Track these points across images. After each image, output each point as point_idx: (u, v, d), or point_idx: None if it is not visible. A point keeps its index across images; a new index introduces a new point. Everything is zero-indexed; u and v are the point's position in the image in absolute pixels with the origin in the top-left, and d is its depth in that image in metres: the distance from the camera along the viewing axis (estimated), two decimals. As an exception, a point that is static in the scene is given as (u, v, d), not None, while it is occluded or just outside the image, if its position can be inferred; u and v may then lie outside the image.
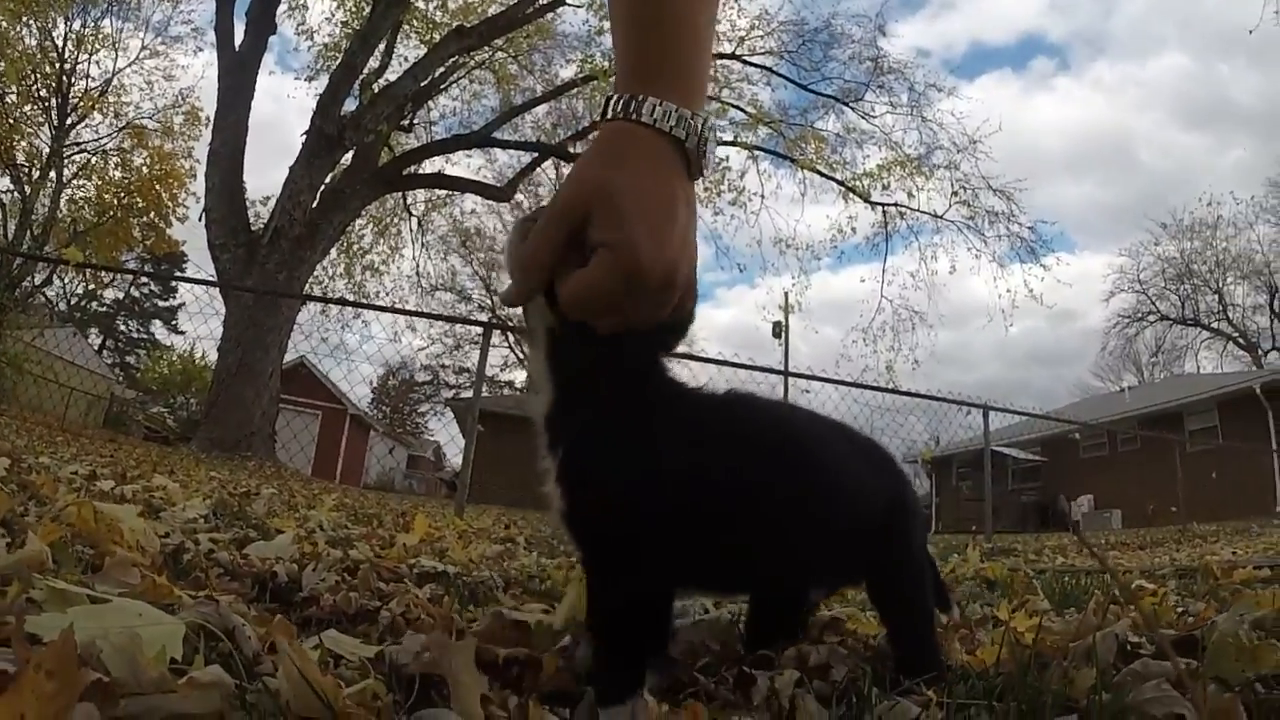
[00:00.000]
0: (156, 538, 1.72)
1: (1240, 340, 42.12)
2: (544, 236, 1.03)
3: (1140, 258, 42.93)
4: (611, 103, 1.05)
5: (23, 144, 28.76)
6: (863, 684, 1.13)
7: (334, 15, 22.94)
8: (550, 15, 22.76)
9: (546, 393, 1.20)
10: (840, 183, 23.29)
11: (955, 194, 23.11)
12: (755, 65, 23.35)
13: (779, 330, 34.37)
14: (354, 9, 22.17)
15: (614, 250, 0.96)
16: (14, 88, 27.11)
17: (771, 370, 12.37)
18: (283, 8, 21.09)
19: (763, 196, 23.50)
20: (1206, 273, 41.81)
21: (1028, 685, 1.07)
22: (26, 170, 28.87)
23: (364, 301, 21.67)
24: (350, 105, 19.73)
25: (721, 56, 22.72)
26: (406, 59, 21.97)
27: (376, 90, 20.03)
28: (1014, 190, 23.22)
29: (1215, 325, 42.76)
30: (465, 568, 2.31)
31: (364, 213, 22.89)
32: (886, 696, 1.09)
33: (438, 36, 21.20)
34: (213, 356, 18.68)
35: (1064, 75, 78.16)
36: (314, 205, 18.66)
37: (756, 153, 23.48)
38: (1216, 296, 42.40)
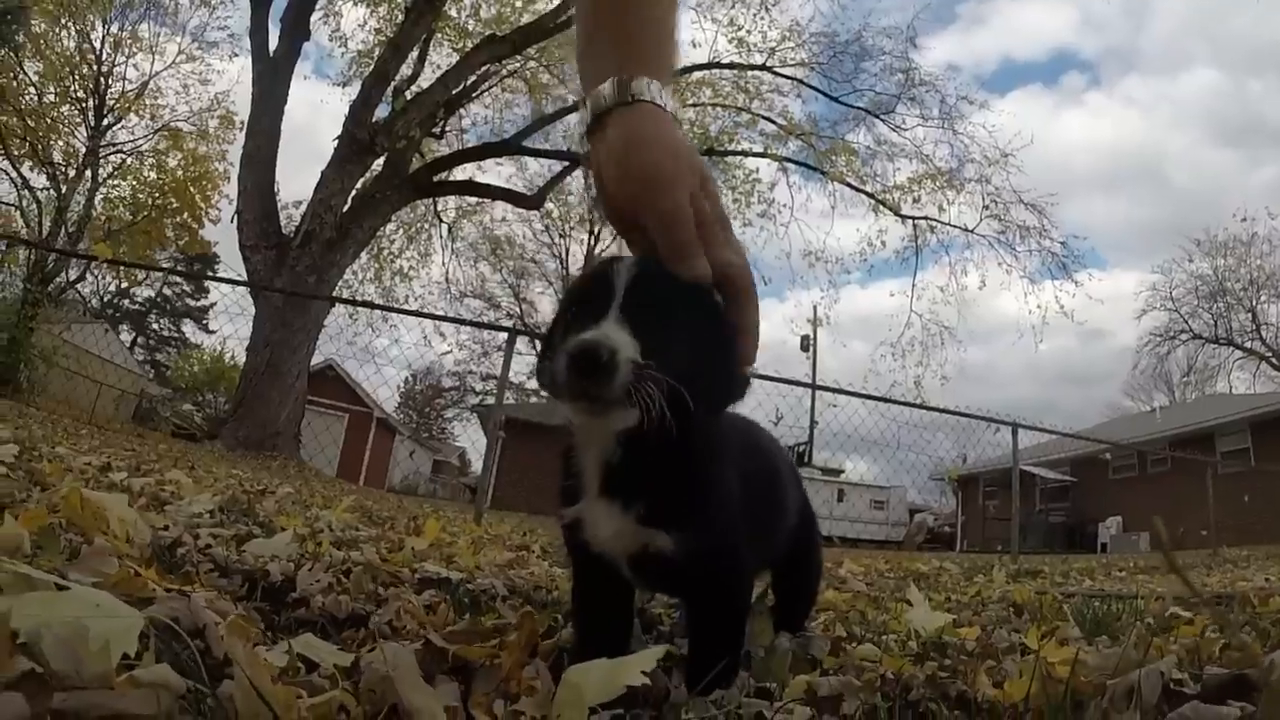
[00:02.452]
0: (149, 529, 1.68)
1: (1274, 360, 41.15)
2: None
3: (1172, 275, 42.12)
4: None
5: (60, 143, 29.33)
6: (880, 718, 1.05)
7: (367, 23, 23.16)
8: (582, 24, 22.75)
9: (604, 448, 1.25)
10: (871, 195, 23.16)
11: (986, 208, 22.93)
12: (786, 77, 23.29)
13: (807, 344, 34.24)
14: (387, 17, 22.34)
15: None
16: (52, 88, 27.62)
17: (799, 383, 12.25)
18: (317, 15, 21.35)
19: (792, 209, 23.49)
20: (1240, 291, 40.90)
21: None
22: (63, 169, 29.33)
23: (391, 305, 21.75)
24: (382, 111, 19.89)
25: (752, 68, 22.69)
26: (439, 66, 22.13)
27: (409, 97, 20.17)
28: (1046, 204, 23.02)
29: (1248, 344, 41.81)
30: (470, 574, 2.24)
31: (394, 218, 23.03)
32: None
33: (470, 45, 21.29)
34: (242, 356, 18.88)
35: (1095, 91, 77.59)
36: (345, 210, 18.82)
37: (787, 165, 23.43)
38: (1250, 315, 41.47)
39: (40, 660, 0.72)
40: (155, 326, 52.67)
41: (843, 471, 33.83)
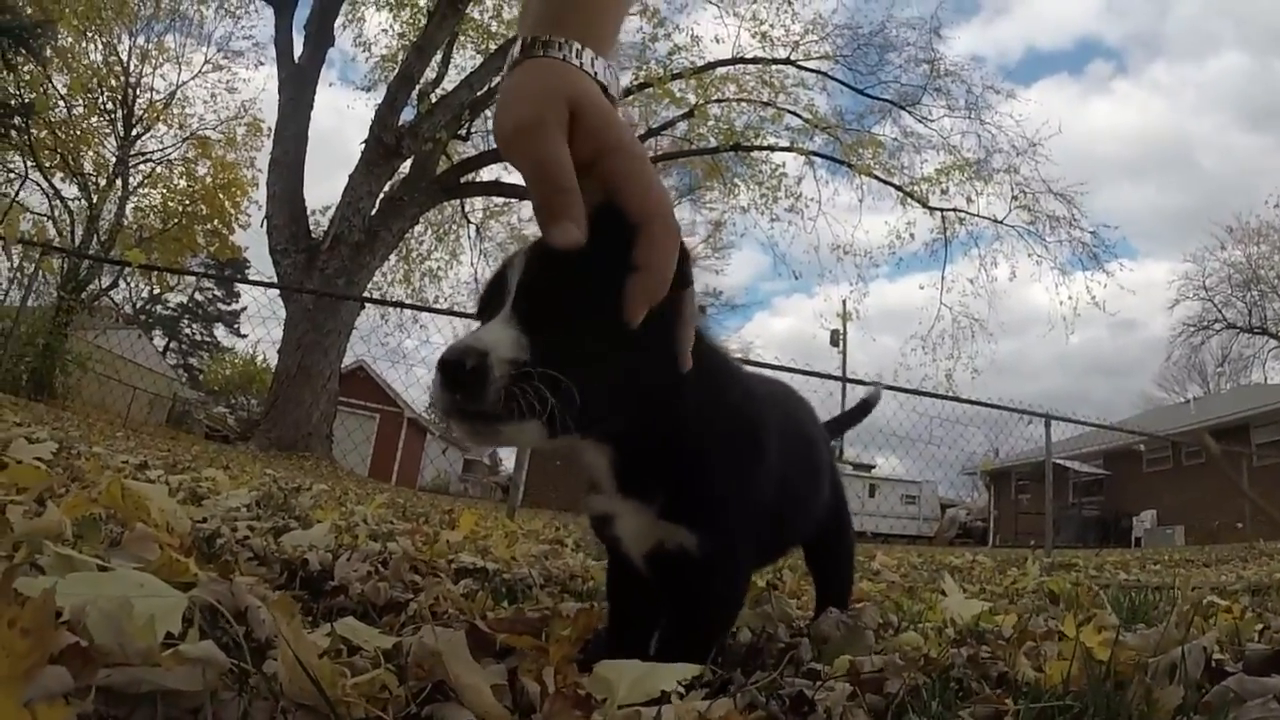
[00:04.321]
0: (189, 520, 1.70)
1: (1310, 349, 40.38)
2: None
3: (1205, 263, 41.22)
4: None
5: (90, 154, 29.69)
6: (924, 697, 1.04)
7: (391, 27, 23.32)
8: (604, 24, 22.75)
9: (601, 455, 1.19)
10: (898, 188, 22.98)
11: (1015, 198, 22.71)
12: (810, 70, 23.13)
13: (837, 338, 34.04)
14: (410, 21, 22.50)
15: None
16: (80, 100, 28.03)
17: (830, 376, 12.19)
18: (340, 21, 21.53)
19: (820, 203, 23.35)
20: (1275, 278, 39.92)
21: (1107, 705, 0.96)
22: (94, 178, 29.76)
23: (421, 305, 21.87)
24: (408, 115, 20.00)
25: (776, 62, 22.58)
26: (463, 68, 22.24)
27: (434, 100, 20.30)
28: (1075, 194, 22.76)
29: (1284, 333, 41.04)
30: (506, 565, 2.26)
31: (423, 220, 23.16)
32: (950, 714, 1.00)
33: (493, 46, 21.38)
34: (273, 359, 19.10)
35: (1121, 78, 76.43)
36: (373, 213, 18.98)
37: (813, 159, 23.23)
38: (1285, 303, 40.69)
39: (85, 636, 0.73)
40: (188, 331, 53.37)
41: (874, 466, 33.57)
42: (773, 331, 68.77)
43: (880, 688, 1.11)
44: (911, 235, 23.27)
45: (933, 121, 23.37)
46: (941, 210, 23.03)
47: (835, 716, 0.99)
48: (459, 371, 0.94)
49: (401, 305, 19.88)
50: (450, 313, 21.87)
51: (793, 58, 22.79)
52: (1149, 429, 24.56)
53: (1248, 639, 1.44)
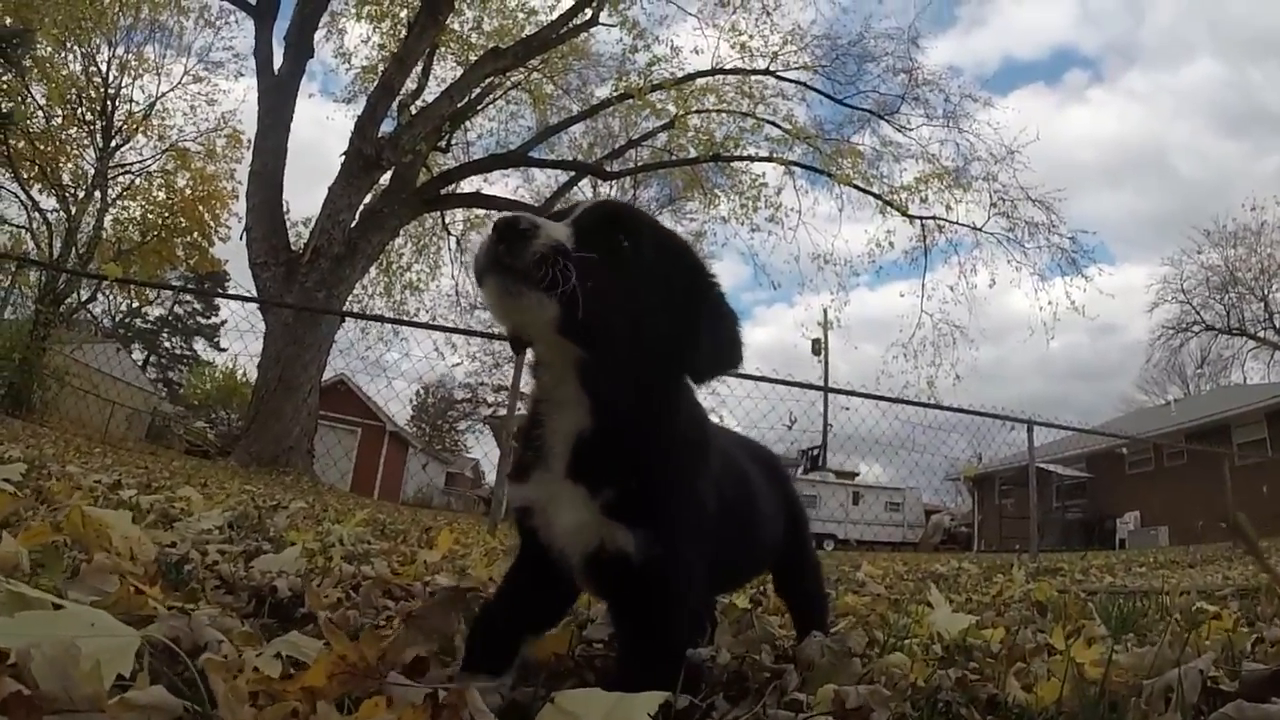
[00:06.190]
0: (154, 546, 1.66)
1: (1288, 349, 40.76)
2: None
3: (1183, 266, 41.57)
4: None
5: (68, 165, 29.50)
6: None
7: (370, 38, 23.30)
8: (584, 35, 22.87)
9: (575, 413, 1.19)
10: (878, 196, 23.08)
11: (994, 205, 22.84)
12: (789, 80, 23.31)
13: (818, 347, 34.16)
14: (390, 32, 22.44)
15: None
16: (59, 111, 27.79)
17: (811, 386, 12.22)
18: (321, 32, 21.46)
19: (800, 212, 23.43)
20: (1251, 280, 40.32)
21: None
22: (72, 190, 29.54)
23: (402, 319, 21.78)
24: (388, 127, 19.93)
25: (755, 72, 22.67)
26: (443, 80, 22.27)
27: (414, 111, 20.24)
28: (1053, 200, 22.90)
29: (1262, 334, 41.26)
30: (484, 585, 2.21)
31: (403, 232, 23.07)
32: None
33: (474, 58, 21.37)
34: (254, 373, 18.93)
35: (1098, 87, 76.89)
36: (353, 225, 18.88)
37: (793, 168, 23.38)
38: (1263, 304, 40.86)
39: (29, 681, 0.69)
40: (167, 345, 52.95)
41: (857, 474, 33.73)
42: (755, 341, 67.98)
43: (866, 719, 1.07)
44: (891, 244, 23.40)
45: (911, 130, 23.60)
46: (921, 218, 23.17)
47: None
48: (511, 228, 1.05)
49: (381, 319, 19.79)
50: (431, 326, 21.87)
51: (772, 68, 22.93)
52: (1131, 431, 24.74)
53: (1242, 652, 1.41)
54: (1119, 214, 70.71)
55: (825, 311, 27.68)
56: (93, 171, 30.01)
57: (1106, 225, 73.59)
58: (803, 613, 1.80)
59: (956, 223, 22.98)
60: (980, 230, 22.99)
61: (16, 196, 28.03)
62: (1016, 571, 5.13)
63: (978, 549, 29.14)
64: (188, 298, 48.46)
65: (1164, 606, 2.54)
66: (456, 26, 22.14)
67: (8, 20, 16.87)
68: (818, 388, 12.62)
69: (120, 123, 30.84)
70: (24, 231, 28.46)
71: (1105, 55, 72.33)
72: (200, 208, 32.61)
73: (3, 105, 20.02)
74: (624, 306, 1.11)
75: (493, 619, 1.33)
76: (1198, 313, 42.19)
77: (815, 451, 35.58)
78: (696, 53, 23.03)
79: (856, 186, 23.00)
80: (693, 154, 22.74)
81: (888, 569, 6.58)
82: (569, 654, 1.49)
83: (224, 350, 49.25)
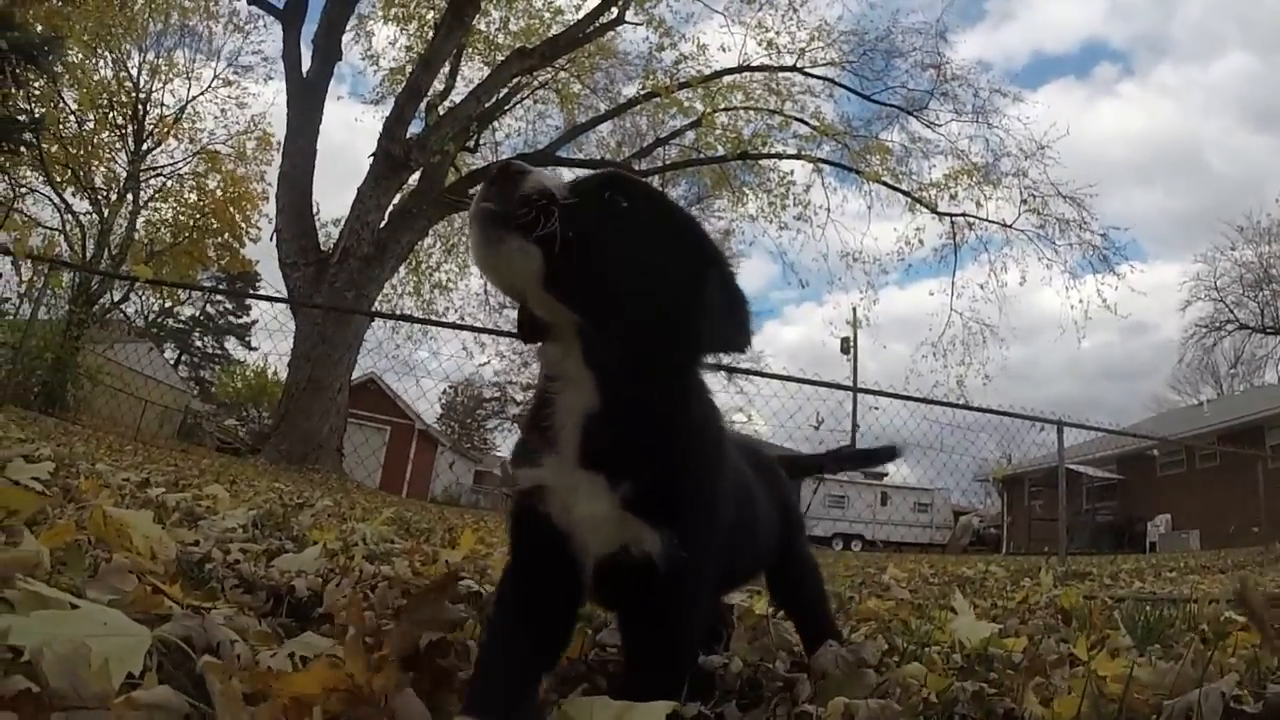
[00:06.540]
0: (175, 545, 1.68)
1: (1324, 347, 39.89)
2: None
3: (1216, 264, 40.70)
4: None
5: (101, 168, 30.03)
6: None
7: (398, 40, 23.45)
8: (610, 34, 22.86)
9: (582, 391, 1.13)
10: (907, 193, 22.90)
11: (1024, 202, 22.57)
12: (817, 77, 23.19)
13: (847, 346, 33.88)
14: (417, 34, 22.58)
15: None
16: (91, 115, 28.27)
17: (839, 386, 12.17)
18: (348, 35, 21.64)
19: (828, 210, 23.26)
20: (1287, 277, 39.68)
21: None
22: (104, 193, 30.04)
23: (430, 318, 21.90)
24: (416, 128, 20.11)
25: (783, 69, 22.58)
26: (471, 81, 22.40)
27: (442, 112, 20.35)
28: (1084, 196, 22.61)
29: (1297, 332, 40.56)
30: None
31: (432, 232, 23.21)
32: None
33: (500, 58, 21.46)
34: (284, 371, 19.13)
35: (1128, 81, 75.84)
36: (382, 225, 19.05)
37: (821, 166, 23.26)
38: (1299, 302, 40.25)
39: (40, 679, 0.71)
40: (199, 344, 53.63)
41: (886, 475, 33.46)
42: (784, 341, 68.37)
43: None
44: (921, 241, 23.23)
45: (940, 126, 23.37)
46: (950, 215, 22.97)
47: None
48: (503, 172, 1.06)
49: (410, 319, 19.90)
50: (460, 326, 21.98)
51: (799, 65, 22.82)
52: (1162, 432, 24.35)
53: (1269, 669, 1.37)
54: (1150, 210, 69.62)
55: (854, 310, 27.48)
56: (125, 174, 30.53)
57: (1138, 221, 72.56)
58: (807, 621, 1.75)
59: (986, 220, 22.77)
60: (1010, 227, 22.77)
61: (50, 199, 28.52)
62: (1044, 575, 5.06)
63: (1007, 551, 28.86)
64: (219, 298, 49.08)
65: (1191, 616, 2.49)
66: (483, 27, 22.25)
67: (39, 28, 17.18)
68: (845, 387, 12.55)
69: (151, 126, 31.30)
70: (57, 233, 28.91)
71: (1135, 49, 71.34)
72: (231, 209, 33.02)
73: (35, 111, 20.38)
74: (618, 267, 1.08)
75: (496, 659, 1.15)
76: (1231, 311, 41.47)
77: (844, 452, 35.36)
78: (723, 50, 22.98)
79: (885, 183, 22.86)
80: (720, 152, 22.61)
81: (914, 571, 6.54)
82: (581, 658, 1.48)
83: (255, 349, 49.91)
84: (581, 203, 1.07)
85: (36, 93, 20.43)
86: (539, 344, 1.22)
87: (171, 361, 44.85)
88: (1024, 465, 22.99)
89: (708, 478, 1.18)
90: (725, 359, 1.24)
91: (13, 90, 12.98)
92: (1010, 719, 1.16)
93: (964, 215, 22.86)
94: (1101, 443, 24.39)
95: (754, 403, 11.23)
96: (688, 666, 1.18)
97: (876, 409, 12.12)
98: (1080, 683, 1.14)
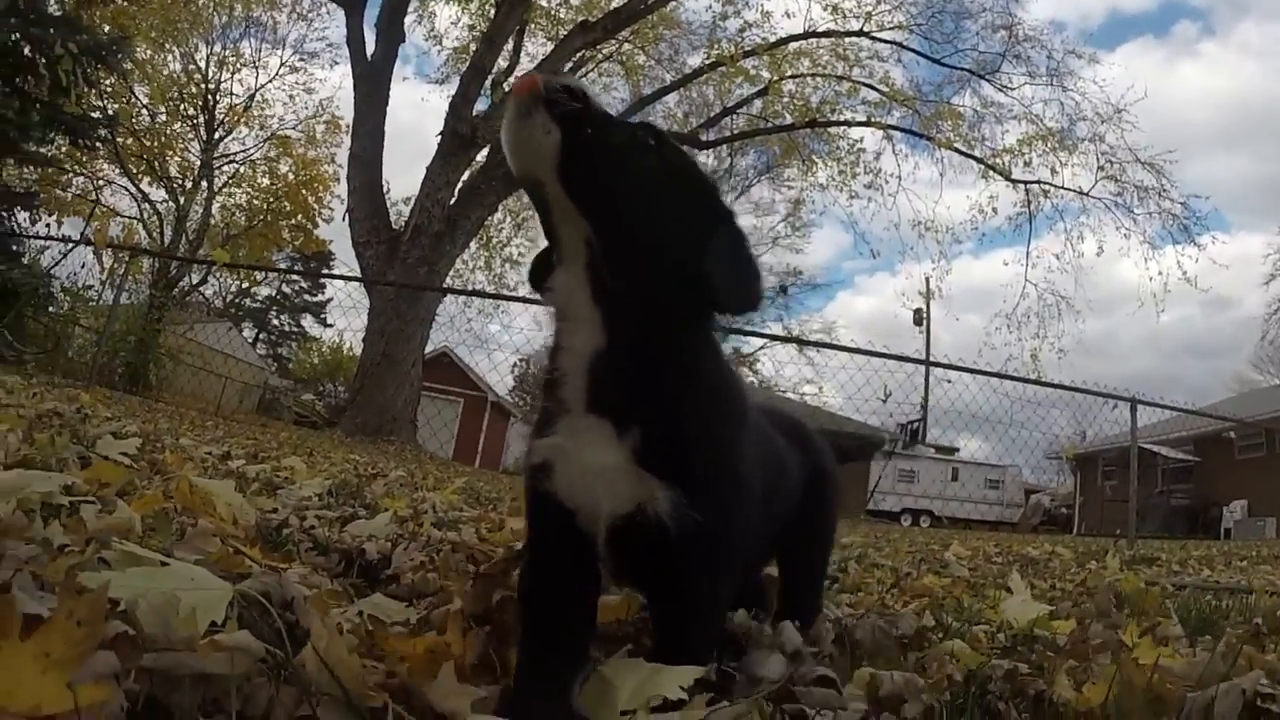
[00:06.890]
0: (255, 511, 1.81)
1: None
2: None
3: (1303, 235, 38.84)
4: None
5: (175, 158, 31.24)
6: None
7: (460, 20, 23.62)
8: (672, 4, 22.62)
9: (589, 329, 1.10)
10: (979, 160, 22.26)
11: (1101, 168, 21.71)
12: (885, 41, 22.56)
13: (920, 318, 33.19)
14: (479, 13, 22.74)
15: None
16: (162, 108, 29.31)
17: (911, 359, 12.03)
18: (411, 17, 21.91)
19: (899, 178, 22.76)
20: (1380, 250, 37.44)
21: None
22: (179, 181, 31.23)
23: (501, 293, 22.14)
24: (482, 105, 20.31)
25: (849, 34, 22.07)
26: (534, 56, 22.47)
27: (507, 89, 20.44)
28: (1164, 163, 21.65)
29: (1388, 310, 38.32)
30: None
31: (501, 207, 23.40)
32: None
33: (563, 33, 21.48)
34: (359, 347, 19.62)
35: (1209, 40, 71.86)
36: (452, 202, 19.35)
37: (892, 133, 22.72)
38: (1391, 278, 37.97)
39: (135, 625, 0.82)
40: (276, 322, 54.99)
41: (957, 450, 32.95)
42: (856, 311, 67.33)
43: (898, 709, 1.08)
44: (994, 210, 22.61)
45: (1013, 90, 22.57)
46: (1025, 183, 22.27)
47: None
48: (553, 75, 1.07)
49: (481, 294, 20.17)
50: (530, 300, 22.16)
51: (866, 29, 22.25)
52: (1241, 413, 23.41)
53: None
54: (1234, 177, 66.35)
55: (927, 280, 26.89)
56: (199, 163, 31.63)
57: (1220, 190, 69.29)
58: (787, 588, 1.67)
59: (1062, 187, 22.00)
60: (1087, 195, 21.95)
61: (127, 190, 29.71)
62: (1111, 559, 4.97)
63: (1078, 532, 28.13)
64: (295, 277, 50.32)
65: (1249, 608, 2.45)
66: (544, 2, 22.30)
67: (106, 29, 17.83)
68: (916, 360, 12.33)
69: (222, 115, 32.37)
70: (136, 222, 30.03)
71: (1216, 6, 67.45)
72: (303, 191, 33.87)
73: (109, 107, 21.17)
74: (633, 181, 1.09)
75: (546, 639, 1.13)
76: (1318, 286, 39.39)
77: (915, 425, 34.88)
78: (788, 16, 22.57)
79: (957, 150, 22.26)
80: (788, 120, 22.14)
81: (978, 549, 6.47)
82: (626, 618, 1.52)
83: (330, 326, 51.07)
84: (612, 120, 1.12)
85: (108, 90, 21.17)
86: (548, 291, 1.17)
87: (250, 340, 46.24)
88: (1098, 443, 22.41)
89: (726, 438, 1.15)
90: (739, 321, 1.26)
91: (86, 90, 13.49)
92: (1039, 701, 1.17)
93: (1039, 182, 22.16)
94: (1178, 422, 23.58)
95: (823, 374, 11.17)
96: (707, 648, 1.15)
97: (949, 382, 11.95)
98: (1122, 662, 1.14)
